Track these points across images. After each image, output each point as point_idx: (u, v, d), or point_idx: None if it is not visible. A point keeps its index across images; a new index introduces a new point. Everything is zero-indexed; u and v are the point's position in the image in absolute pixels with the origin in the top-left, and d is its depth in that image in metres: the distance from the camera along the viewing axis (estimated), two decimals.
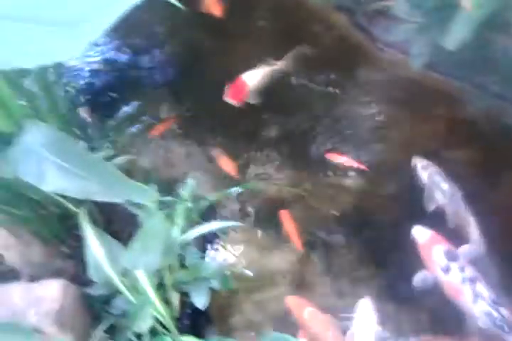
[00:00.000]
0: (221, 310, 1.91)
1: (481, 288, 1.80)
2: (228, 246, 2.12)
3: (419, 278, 1.91)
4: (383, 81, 2.61)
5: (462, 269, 1.85)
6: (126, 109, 2.75)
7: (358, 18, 2.88)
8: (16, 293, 1.59)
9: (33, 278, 1.73)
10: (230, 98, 2.39)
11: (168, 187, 2.24)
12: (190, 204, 1.95)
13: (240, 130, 2.55)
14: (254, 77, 2.46)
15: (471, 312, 1.80)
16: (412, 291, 1.88)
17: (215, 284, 1.72)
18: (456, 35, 1.98)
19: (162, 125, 2.60)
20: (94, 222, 1.73)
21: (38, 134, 1.38)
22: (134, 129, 2.67)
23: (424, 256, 1.92)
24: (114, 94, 2.80)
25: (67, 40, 0.97)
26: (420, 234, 1.96)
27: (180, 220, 1.83)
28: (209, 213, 2.18)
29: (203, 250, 2.09)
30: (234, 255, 2.09)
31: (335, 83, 2.64)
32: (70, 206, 1.74)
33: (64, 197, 1.70)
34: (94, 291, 1.66)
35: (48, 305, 1.54)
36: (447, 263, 1.86)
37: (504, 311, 1.77)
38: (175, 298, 1.69)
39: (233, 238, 2.15)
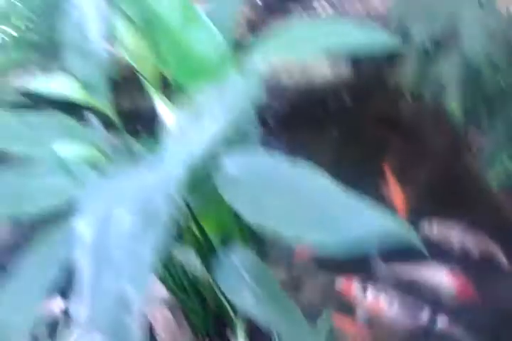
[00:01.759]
0: None
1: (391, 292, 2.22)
2: None
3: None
4: None
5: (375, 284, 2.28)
6: None
7: None
8: None
9: None
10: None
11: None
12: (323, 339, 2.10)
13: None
14: None
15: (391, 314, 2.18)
16: None
17: None
18: None
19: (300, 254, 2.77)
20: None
21: (243, 257, 1.69)
22: None
23: (350, 296, 2.29)
24: None
25: None
26: (341, 283, 2.35)
27: None
28: None
29: None
30: None
31: None
32: (230, 310, 2.00)
33: (227, 300, 1.97)
34: None
35: None
36: (363, 285, 2.28)
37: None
38: None
39: None
